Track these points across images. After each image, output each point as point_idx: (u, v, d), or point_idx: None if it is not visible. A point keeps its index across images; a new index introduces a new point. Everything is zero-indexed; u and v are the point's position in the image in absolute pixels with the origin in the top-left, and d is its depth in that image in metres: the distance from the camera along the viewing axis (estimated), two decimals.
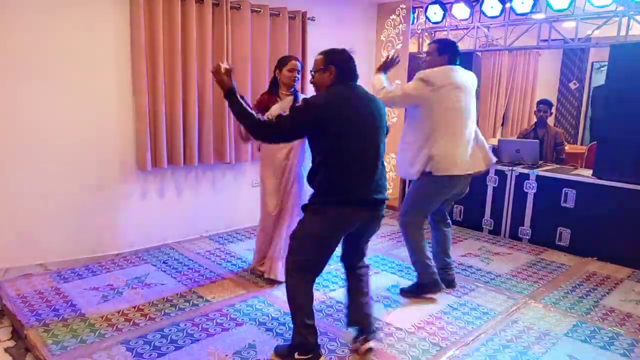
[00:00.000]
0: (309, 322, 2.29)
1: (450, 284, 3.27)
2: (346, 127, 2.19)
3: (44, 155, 3.36)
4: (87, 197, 3.58)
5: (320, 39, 4.80)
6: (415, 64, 5.31)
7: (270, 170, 3.22)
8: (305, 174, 3.21)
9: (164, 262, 3.60)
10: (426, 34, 5.39)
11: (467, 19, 4.73)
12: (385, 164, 4.89)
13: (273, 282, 3.26)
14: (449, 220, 3.31)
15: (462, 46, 5.10)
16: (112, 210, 3.74)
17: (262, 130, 2.27)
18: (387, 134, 2.43)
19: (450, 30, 5.07)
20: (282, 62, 3.14)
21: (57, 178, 3.43)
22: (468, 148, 2.99)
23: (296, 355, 2.30)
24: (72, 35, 3.36)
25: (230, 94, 2.24)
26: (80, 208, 3.56)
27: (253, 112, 2.24)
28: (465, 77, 3.01)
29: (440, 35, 5.23)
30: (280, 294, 3.13)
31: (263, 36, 4.28)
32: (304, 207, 2.33)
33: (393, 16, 5.34)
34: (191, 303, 2.96)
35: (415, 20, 5.36)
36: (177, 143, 3.87)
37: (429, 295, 3.10)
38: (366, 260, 2.53)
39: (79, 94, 3.44)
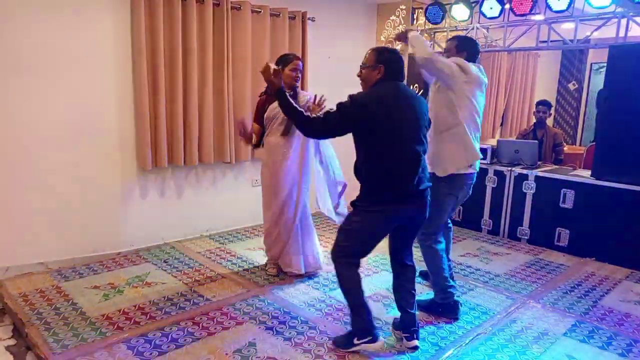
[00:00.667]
0: (361, 303, 2.39)
1: None
2: (389, 124, 2.25)
3: (45, 154, 3.37)
4: (88, 196, 3.59)
5: (320, 40, 4.83)
6: (415, 65, 5.33)
7: (268, 170, 3.27)
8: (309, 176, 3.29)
9: (164, 261, 3.61)
10: (426, 34, 5.41)
11: (466, 20, 4.75)
12: None
13: (276, 280, 3.32)
14: (450, 224, 3.28)
15: None
16: (113, 209, 3.75)
17: (310, 127, 2.37)
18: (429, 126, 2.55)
19: (450, 31, 5.08)
20: (285, 61, 3.12)
21: (58, 177, 3.44)
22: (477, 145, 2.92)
23: (355, 341, 2.38)
24: (73, 36, 3.38)
25: (279, 93, 2.36)
26: (81, 207, 3.57)
27: (302, 110, 2.35)
28: (483, 77, 2.90)
29: (440, 36, 5.25)
30: (281, 293, 3.14)
31: (263, 36, 4.29)
32: (352, 204, 2.42)
33: (393, 17, 5.35)
34: (192, 302, 2.98)
35: (415, 21, 5.37)
36: (178, 142, 3.88)
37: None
38: (412, 261, 2.58)
39: (80, 93, 3.45)
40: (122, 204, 3.80)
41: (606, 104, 3.99)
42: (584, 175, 4.15)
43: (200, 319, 2.76)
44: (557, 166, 4.73)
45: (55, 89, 3.35)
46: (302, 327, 2.69)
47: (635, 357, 2.53)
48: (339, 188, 3.24)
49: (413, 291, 2.56)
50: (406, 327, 2.53)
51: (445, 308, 2.89)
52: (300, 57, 4.47)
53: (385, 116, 2.24)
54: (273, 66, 2.38)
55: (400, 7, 5.26)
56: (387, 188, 2.31)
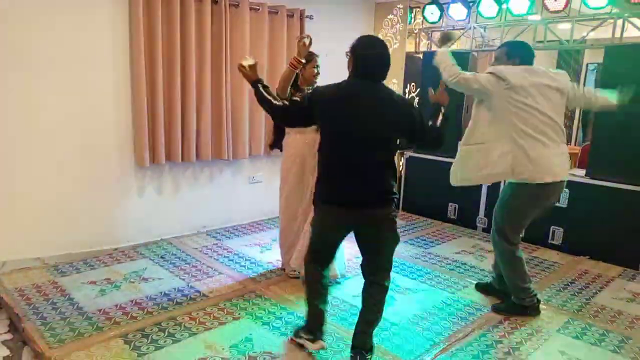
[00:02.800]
0: (312, 304, 2.40)
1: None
2: (340, 123, 2.14)
3: (43, 150, 3.37)
4: (85, 192, 3.59)
5: (318, 37, 4.81)
6: (412, 64, 5.36)
7: (295, 170, 3.15)
8: None
9: (161, 257, 3.62)
10: (423, 33, 5.43)
11: (464, 20, 4.77)
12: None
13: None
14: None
15: (459, 46, 5.15)
16: (110, 205, 3.75)
17: (276, 113, 2.38)
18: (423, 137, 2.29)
19: (447, 30, 5.11)
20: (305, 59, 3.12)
21: (56, 173, 3.44)
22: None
23: (301, 334, 2.44)
24: (71, 32, 3.37)
25: (253, 85, 2.36)
26: (78, 203, 3.57)
27: (271, 98, 2.33)
28: (546, 79, 2.72)
29: (437, 35, 5.27)
30: (277, 289, 3.16)
31: (261, 34, 4.30)
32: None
33: (390, 16, 5.37)
34: (189, 297, 2.99)
35: (413, 20, 5.40)
36: (176, 140, 3.89)
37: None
38: (385, 280, 2.32)
39: (77, 90, 3.45)
40: (120, 200, 3.80)
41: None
42: (579, 174, 4.18)
43: (197, 314, 2.77)
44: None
45: (53, 86, 3.34)
46: (298, 323, 2.71)
47: (627, 353, 2.56)
48: None
49: (374, 308, 2.33)
50: (353, 344, 2.34)
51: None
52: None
53: (335, 114, 2.15)
54: (248, 63, 2.39)
55: (398, 6, 5.27)
56: (327, 188, 2.24)
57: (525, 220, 2.94)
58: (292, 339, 2.50)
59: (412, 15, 5.38)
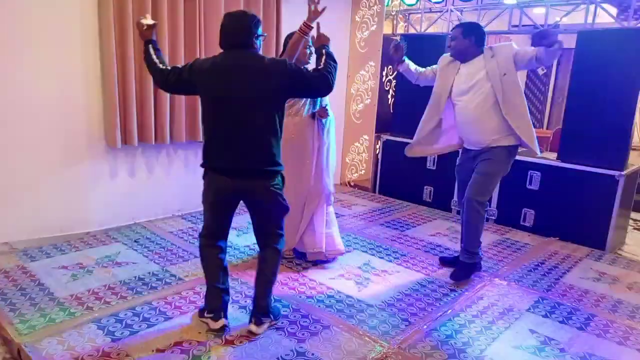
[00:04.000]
0: (211, 285, 2.43)
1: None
2: (211, 92, 2.26)
3: (9, 131, 3.23)
4: (54, 174, 3.49)
5: (295, 19, 4.73)
6: (390, 46, 5.34)
7: (290, 156, 3.06)
8: (331, 159, 3.27)
9: (135, 241, 3.56)
10: (400, 15, 5.41)
11: (440, 2, 4.77)
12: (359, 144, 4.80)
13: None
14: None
15: (435, 29, 5.16)
16: (80, 187, 3.65)
17: (157, 77, 2.38)
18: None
19: (424, 13, 5.10)
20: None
21: (24, 155, 3.32)
22: None
23: (205, 314, 2.44)
24: (38, 8, 3.22)
25: (145, 44, 2.38)
26: (47, 185, 3.46)
27: (157, 61, 2.35)
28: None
29: (415, 17, 5.26)
30: (254, 272, 3.14)
31: None
32: None
33: None
34: (164, 281, 2.95)
35: (390, 2, 5.36)
36: (148, 120, 3.79)
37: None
38: (276, 244, 2.46)
39: (44, 68, 3.32)
40: (91, 183, 3.70)
41: (573, 88, 4.10)
42: (550, 157, 4.28)
43: (173, 298, 2.74)
44: (525, 149, 4.84)
45: (18, 63, 3.20)
46: (276, 306, 2.71)
47: (593, 330, 2.66)
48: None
49: (269, 270, 2.47)
50: (253, 311, 2.46)
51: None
52: (274, 37, 4.41)
53: (206, 84, 2.26)
54: (147, 22, 2.37)
55: None
56: (208, 157, 2.34)
57: None
58: (198, 317, 2.50)
59: None
